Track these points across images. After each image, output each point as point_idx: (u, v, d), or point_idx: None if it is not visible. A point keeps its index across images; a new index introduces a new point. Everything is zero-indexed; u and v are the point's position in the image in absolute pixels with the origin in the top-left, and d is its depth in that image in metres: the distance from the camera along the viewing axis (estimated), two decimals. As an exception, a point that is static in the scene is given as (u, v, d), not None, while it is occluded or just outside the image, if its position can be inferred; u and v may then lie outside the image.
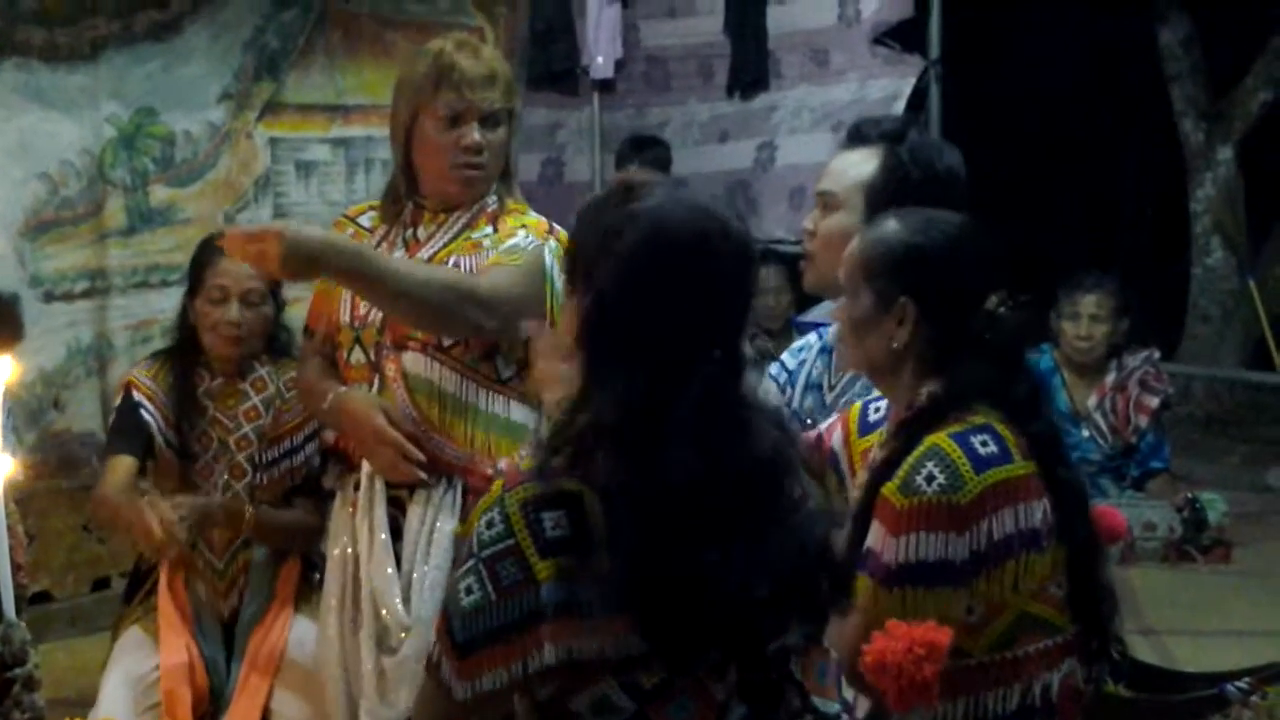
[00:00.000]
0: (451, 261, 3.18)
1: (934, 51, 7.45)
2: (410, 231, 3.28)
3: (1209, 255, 9.92)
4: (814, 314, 6.81)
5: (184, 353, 3.94)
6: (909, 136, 2.95)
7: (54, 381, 5.21)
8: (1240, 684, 2.74)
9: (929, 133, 7.26)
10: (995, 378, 2.43)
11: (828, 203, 2.97)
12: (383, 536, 3.17)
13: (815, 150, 7.56)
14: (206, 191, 5.59)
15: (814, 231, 2.99)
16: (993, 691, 2.37)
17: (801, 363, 3.16)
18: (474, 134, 3.18)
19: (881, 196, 2.86)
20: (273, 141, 5.79)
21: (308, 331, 3.46)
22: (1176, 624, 4.63)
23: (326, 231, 3.14)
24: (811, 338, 3.22)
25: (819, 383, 3.08)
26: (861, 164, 2.96)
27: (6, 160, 5.10)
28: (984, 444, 2.36)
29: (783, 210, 8.03)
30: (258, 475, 3.89)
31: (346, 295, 3.25)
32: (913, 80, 7.51)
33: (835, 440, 2.73)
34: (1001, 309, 2.46)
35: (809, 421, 2.99)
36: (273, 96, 5.77)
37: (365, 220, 3.37)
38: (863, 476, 2.54)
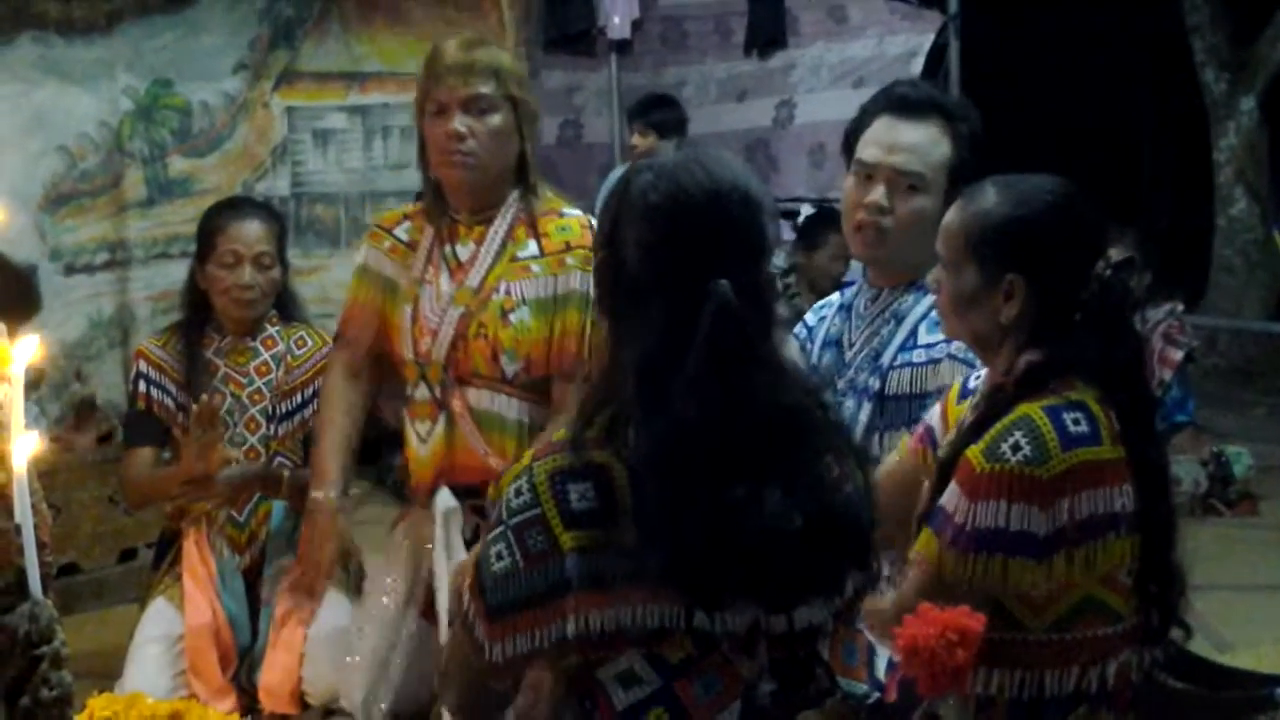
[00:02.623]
0: (503, 290, 3.24)
1: (953, 7, 7.42)
2: (450, 249, 3.31)
3: (1232, 206, 9.86)
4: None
5: (194, 318, 4.01)
6: (964, 110, 2.96)
7: (76, 354, 5.22)
8: None
9: (948, 88, 7.25)
10: (1100, 343, 2.39)
11: (915, 184, 2.94)
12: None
13: (834, 107, 7.53)
14: (224, 162, 5.59)
15: (887, 208, 2.95)
16: (1049, 670, 2.35)
17: (822, 319, 3.16)
18: (453, 121, 3.19)
19: (959, 177, 2.85)
20: (289, 110, 5.78)
21: (339, 338, 3.52)
22: (1204, 579, 4.59)
23: None
24: (834, 295, 3.22)
25: (837, 339, 3.08)
26: (938, 143, 2.94)
27: (24, 134, 5.10)
28: (1075, 422, 2.32)
29: (803, 167, 8.01)
30: (272, 427, 3.96)
31: (406, 328, 3.29)
32: (931, 36, 7.49)
33: (934, 416, 2.69)
34: (1108, 273, 2.42)
35: (830, 378, 2.99)
36: (288, 65, 5.75)
37: (401, 232, 3.40)
38: (952, 436, 2.52)
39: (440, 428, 3.27)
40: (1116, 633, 2.38)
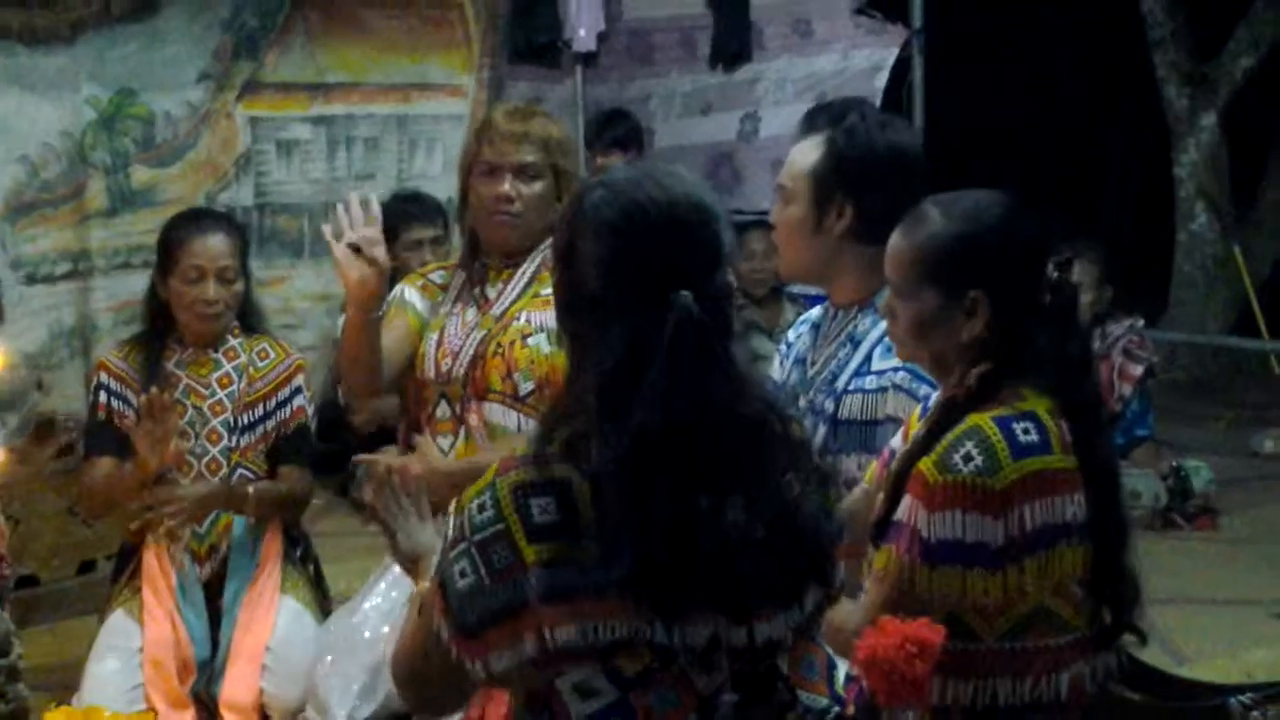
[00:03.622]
0: (524, 318, 3.46)
1: (917, 21, 7.43)
2: (479, 290, 3.56)
3: (1193, 221, 9.92)
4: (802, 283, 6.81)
5: (155, 329, 4.00)
6: (848, 119, 2.97)
7: (37, 364, 5.18)
8: (1244, 698, 2.73)
9: (912, 102, 7.28)
10: (1052, 341, 2.41)
11: (784, 196, 3.02)
12: None
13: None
14: (187, 172, 5.57)
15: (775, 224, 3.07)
16: (1001, 680, 2.36)
17: (799, 335, 3.19)
18: (504, 185, 3.44)
19: (826, 183, 2.92)
20: (253, 121, 5.77)
21: None
22: (1163, 593, 4.65)
23: None
24: (815, 312, 3.24)
25: (804, 357, 3.10)
26: (809, 153, 3.00)
27: (-14, 144, 5.07)
28: (1025, 431, 2.34)
29: (767, 181, 8.00)
30: (233, 439, 3.95)
31: (430, 353, 3.52)
32: (896, 50, 7.50)
33: (897, 441, 2.69)
34: (1057, 274, 2.44)
35: (795, 395, 3.01)
36: (252, 76, 5.74)
37: (437, 277, 3.68)
38: (905, 447, 2.54)
39: (460, 442, 3.47)
40: (1068, 643, 2.39)
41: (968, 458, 2.31)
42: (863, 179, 2.90)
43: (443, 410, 3.51)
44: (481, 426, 3.44)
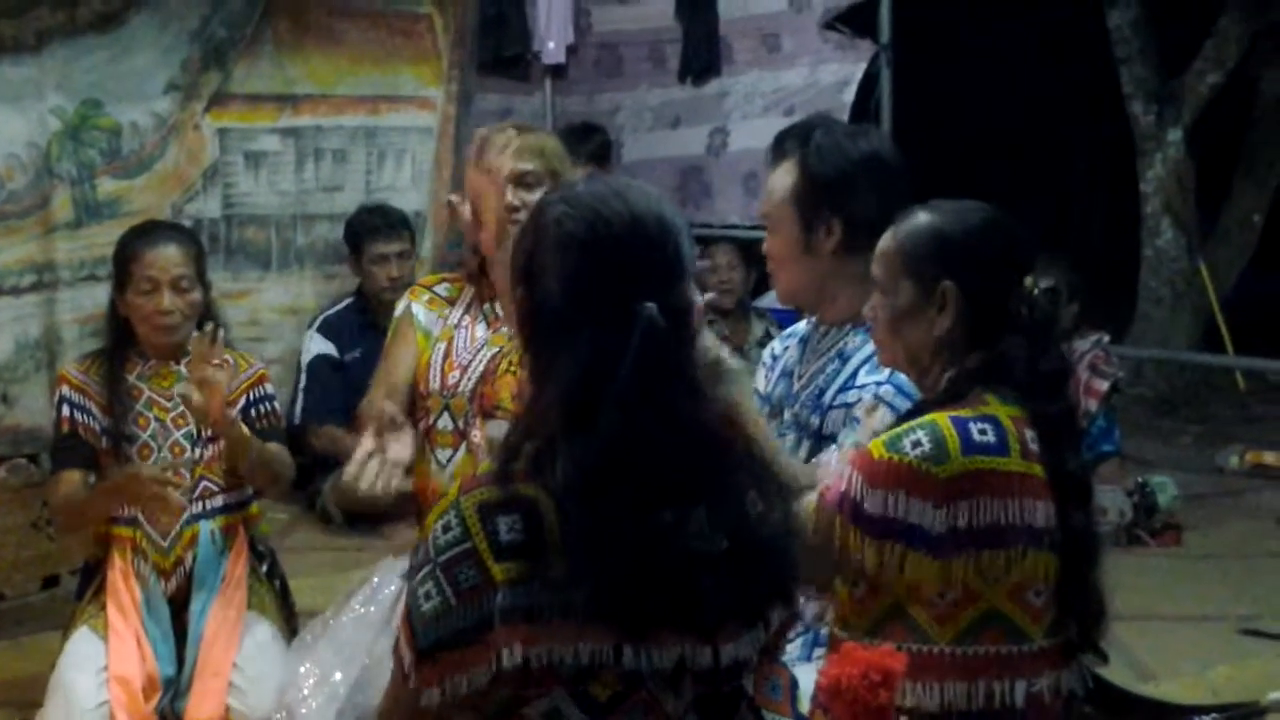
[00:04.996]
0: None
1: (885, 36, 7.47)
2: (489, 306, 3.56)
3: (1159, 237, 9.96)
4: (769, 298, 6.83)
5: (116, 343, 3.98)
6: (814, 138, 3.00)
7: (2, 377, 5.15)
8: (1210, 719, 2.75)
9: (880, 117, 7.31)
10: (1026, 355, 2.45)
11: (769, 226, 3.07)
12: None
13: (768, 135, 7.43)
14: (154, 183, 5.53)
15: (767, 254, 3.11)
16: (954, 684, 2.37)
17: (786, 348, 3.20)
18: (509, 194, 3.43)
19: (808, 204, 2.94)
20: (221, 132, 5.74)
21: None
22: (1128, 608, 4.65)
23: None
24: (800, 326, 3.26)
25: (791, 370, 3.12)
26: (784, 178, 3.04)
27: (-49, 155, 5.04)
28: (982, 432, 2.39)
29: (737, 195, 8.04)
30: (196, 451, 3.92)
31: (437, 364, 3.51)
32: (864, 65, 7.54)
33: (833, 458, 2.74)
34: (1036, 291, 2.49)
35: (779, 408, 3.03)
36: (220, 87, 5.71)
37: (441, 289, 3.66)
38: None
39: (461, 455, 3.46)
40: (1024, 652, 2.41)
41: (916, 444, 2.37)
42: (844, 192, 2.93)
43: (444, 422, 3.51)
44: (484, 442, 3.42)
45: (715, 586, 1.98)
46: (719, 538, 1.98)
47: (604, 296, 1.99)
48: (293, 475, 4.11)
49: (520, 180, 3.46)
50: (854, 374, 2.94)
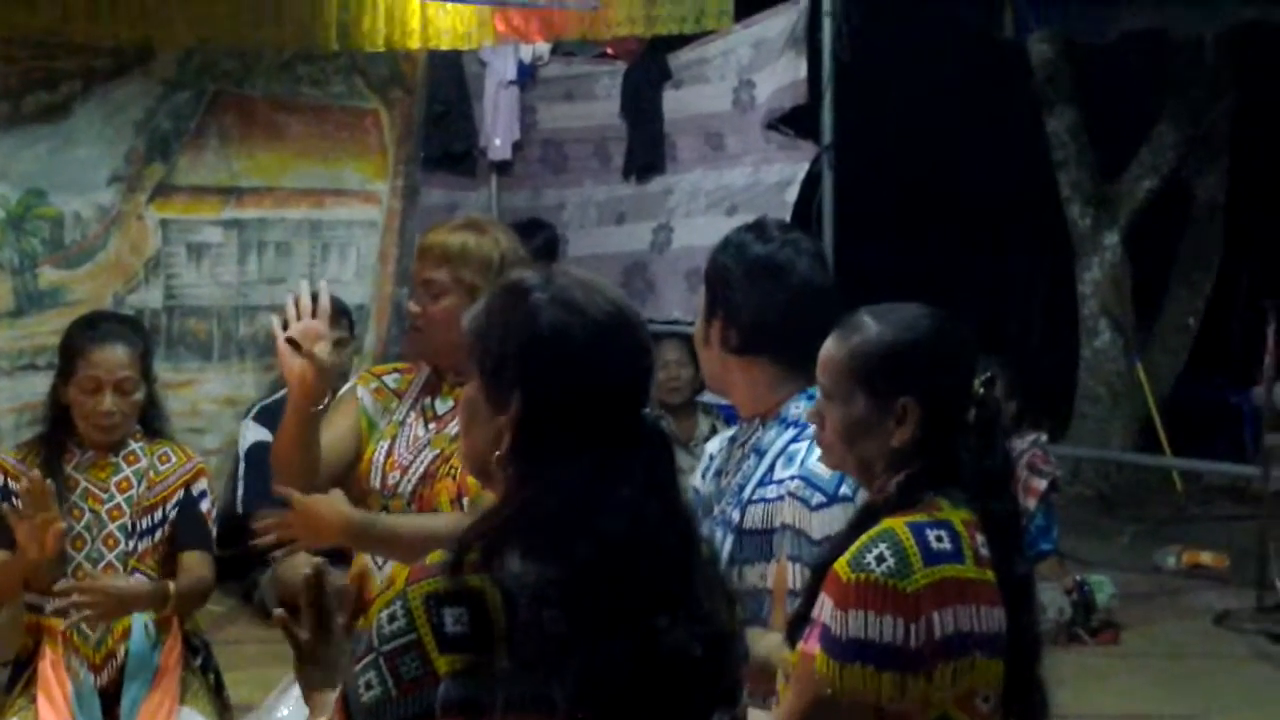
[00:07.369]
0: None
1: (827, 138, 7.55)
2: (429, 401, 3.46)
3: (1097, 338, 10.08)
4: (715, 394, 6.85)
5: (55, 432, 3.93)
6: (728, 236, 3.06)
7: (-62, 465, 5.10)
8: None
9: (822, 216, 7.38)
10: (974, 455, 2.45)
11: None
12: None
13: (711, 232, 7.56)
14: (97, 273, 5.54)
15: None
16: None
17: (720, 449, 3.21)
18: (411, 303, 3.41)
19: (706, 295, 3.00)
20: (164, 223, 5.76)
21: None
22: (1067, 708, 4.64)
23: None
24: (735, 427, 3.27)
25: (720, 469, 3.12)
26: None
27: (-107, 242, 5.03)
28: (939, 539, 2.36)
29: (680, 291, 8.08)
30: (131, 543, 3.87)
31: (379, 462, 3.41)
32: (806, 165, 7.61)
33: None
34: (982, 389, 2.49)
35: (710, 506, 3.03)
36: (164, 178, 5.74)
37: (390, 380, 3.55)
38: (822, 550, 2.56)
39: None
40: None
41: (880, 559, 2.32)
42: (724, 292, 2.96)
43: None
44: None
45: (685, 688, 1.97)
46: (695, 644, 1.96)
47: (609, 398, 1.99)
48: (213, 578, 3.97)
49: (426, 286, 3.37)
50: (771, 468, 2.94)
